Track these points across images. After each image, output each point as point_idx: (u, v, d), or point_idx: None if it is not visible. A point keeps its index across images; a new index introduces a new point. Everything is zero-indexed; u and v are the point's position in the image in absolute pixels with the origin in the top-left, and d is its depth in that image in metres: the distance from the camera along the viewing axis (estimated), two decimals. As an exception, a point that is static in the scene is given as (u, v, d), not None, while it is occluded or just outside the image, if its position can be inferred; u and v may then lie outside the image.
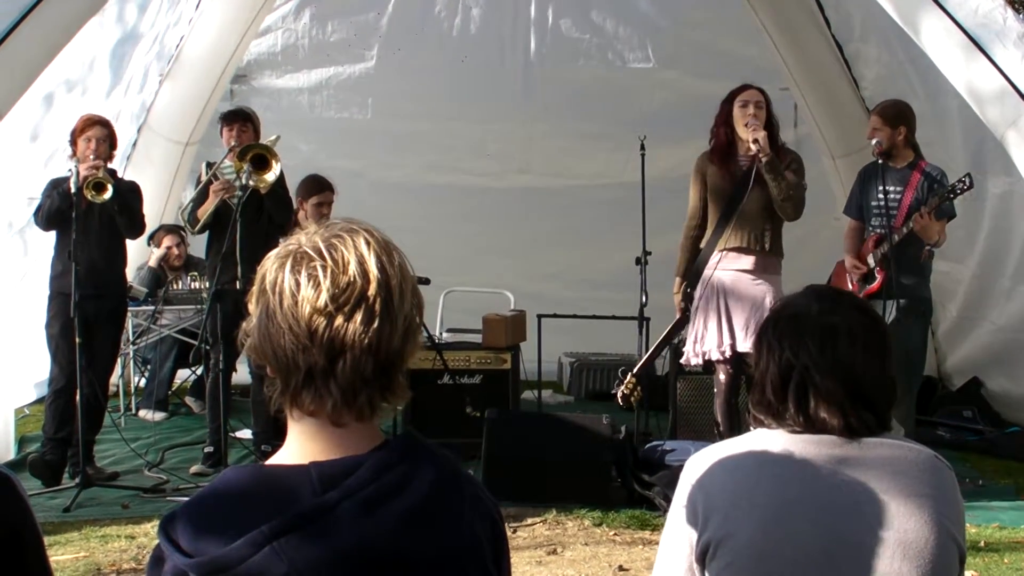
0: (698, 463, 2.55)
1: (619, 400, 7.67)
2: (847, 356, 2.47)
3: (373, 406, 1.92)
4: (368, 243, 1.91)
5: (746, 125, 7.05)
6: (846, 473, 2.41)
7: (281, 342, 1.87)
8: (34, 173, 8.81)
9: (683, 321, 7.49)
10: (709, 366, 7.36)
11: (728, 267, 7.16)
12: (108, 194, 7.32)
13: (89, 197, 7.28)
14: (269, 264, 1.92)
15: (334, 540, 1.79)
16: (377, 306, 1.88)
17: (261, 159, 7.59)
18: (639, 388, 7.57)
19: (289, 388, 1.90)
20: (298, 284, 1.87)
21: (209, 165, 8.23)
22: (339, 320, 1.86)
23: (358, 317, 1.86)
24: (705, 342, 7.15)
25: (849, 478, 2.41)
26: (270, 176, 7.60)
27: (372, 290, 1.87)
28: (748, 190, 7.10)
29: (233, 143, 7.88)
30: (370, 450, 1.91)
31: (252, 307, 1.94)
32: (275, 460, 1.93)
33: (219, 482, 1.90)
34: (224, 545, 1.77)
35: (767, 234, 7.15)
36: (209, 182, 7.97)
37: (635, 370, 7.63)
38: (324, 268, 1.87)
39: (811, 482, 2.41)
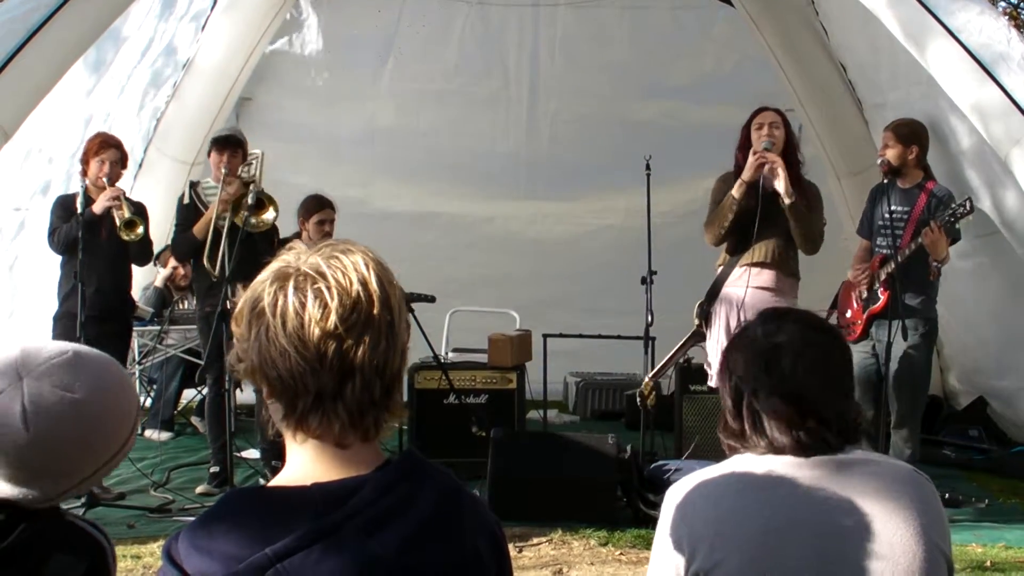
0: (678, 493, 2.55)
1: (636, 398, 7.76)
2: (791, 374, 2.48)
3: (378, 426, 1.92)
4: (367, 263, 1.90)
5: (754, 153, 7.11)
6: (829, 492, 2.42)
7: (287, 365, 1.84)
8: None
9: (700, 334, 7.53)
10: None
11: (748, 284, 7.19)
12: (141, 229, 7.43)
13: (124, 237, 7.40)
14: (265, 286, 1.89)
15: (338, 561, 1.79)
16: (383, 327, 1.87)
17: (258, 202, 7.66)
18: (654, 393, 7.66)
19: (296, 412, 1.88)
20: (303, 305, 1.84)
21: (193, 185, 8.21)
22: (348, 342, 1.84)
23: (367, 339, 1.85)
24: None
25: (832, 497, 2.41)
26: (267, 216, 7.68)
27: (377, 310, 1.87)
28: (768, 208, 7.15)
29: (224, 169, 7.85)
30: (372, 470, 1.91)
31: (241, 330, 1.91)
32: (277, 481, 1.93)
33: (222, 504, 1.89)
34: (228, 568, 1.76)
35: (788, 251, 7.24)
36: (196, 207, 7.96)
37: (651, 374, 7.70)
38: (329, 289, 1.85)
39: (795, 504, 2.42)
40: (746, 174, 7.09)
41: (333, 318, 1.84)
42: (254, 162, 7.92)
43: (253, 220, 7.58)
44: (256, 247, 7.58)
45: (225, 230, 7.72)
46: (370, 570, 1.81)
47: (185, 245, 8.08)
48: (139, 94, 10.01)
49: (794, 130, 7.43)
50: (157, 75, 10.08)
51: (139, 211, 7.77)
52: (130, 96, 9.98)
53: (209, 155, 8.17)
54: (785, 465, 2.46)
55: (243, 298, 1.92)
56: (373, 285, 1.88)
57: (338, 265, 1.88)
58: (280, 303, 1.86)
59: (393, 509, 1.86)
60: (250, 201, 7.56)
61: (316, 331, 1.83)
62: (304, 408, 1.87)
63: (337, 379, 1.85)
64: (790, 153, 7.22)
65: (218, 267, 7.65)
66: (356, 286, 1.86)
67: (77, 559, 2.11)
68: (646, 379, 7.71)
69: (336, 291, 1.85)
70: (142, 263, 8.03)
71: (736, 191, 7.13)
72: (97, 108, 9.38)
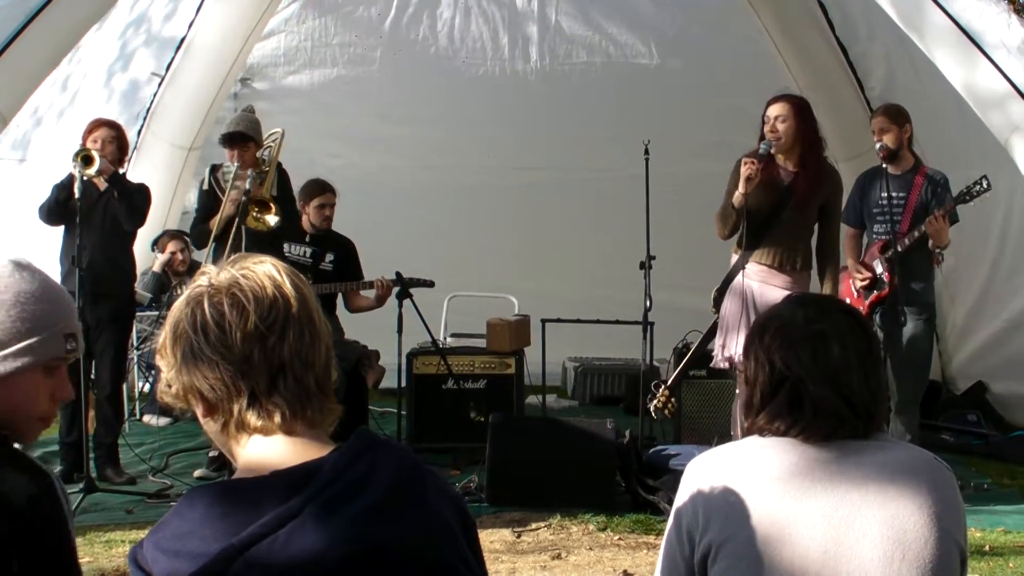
0: (699, 467, 2.57)
1: (652, 413, 7.66)
2: (839, 361, 2.48)
3: (323, 413, 1.97)
4: (278, 269, 1.97)
5: (745, 162, 6.91)
6: (844, 475, 2.42)
7: (217, 374, 1.90)
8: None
9: (714, 331, 7.45)
10: (721, 371, 7.37)
11: (758, 279, 7.08)
12: (95, 167, 7.27)
13: (81, 171, 7.23)
14: (181, 309, 1.96)
15: (305, 543, 1.81)
16: (304, 322, 1.94)
17: (263, 204, 7.66)
18: (672, 400, 7.55)
19: (234, 416, 1.92)
20: (223, 315, 1.91)
21: (213, 169, 8.19)
22: (272, 339, 1.90)
23: (290, 334, 1.92)
24: (729, 347, 7.12)
25: (848, 481, 2.42)
26: (270, 219, 7.63)
27: (296, 308, 1.93)
28: (786, 210, 7.03)
29: (236, 162, 7.85)
30: (327, 453, 1.93)
31: (167, 357, 1.96)
32: (235, 477, 1.95)
33: (183, 504, 1.91)
34: (196, 566, 1.78)
35: (799, 254, 7.03)
36: (215, 194, 7.93)
37: (669, 382, 7.62)
38: (244, 294, 1.92)
39: (810, 485, 2.42)
40: (741, 186, 6.91)
41: (253, 319, 1.90)
42: (272, 144, 7.90)
43: (253, 224, 7.58)
44: (272, 241, 7.61)
45: (242, 221, 7.69)
46: (337, 546, 1.83)
47: (202, 238, 8.07)
48: (105, 70, 9.93)
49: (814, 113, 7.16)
50: (126, 49, 9.99)
51: (140, 189, 7.80)
52: (98, 72, 9.91)
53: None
54: (805, 447, 2.47)
55: (163, 328, 1.99)
56: (288, 287, 1.95)
57: (250, 274, 1.95)
58: (199, 319, 1.93)
59: (353, 485, 1.88)
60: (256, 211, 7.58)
61: (239, 335, 1.90)
62: (241, 409, 1.91)
63: (268, 377, 1.90)
64: (804, 144, 6.98)
65: (229, 256, 7.58)
66: (271, 288, 1.94)
67: (28, 479, 2.15)
68: (663, 388, 7.60)
69: (252, 295, 1.92)
70: (129, 224, 7.81)
71: (736, 201, 6.96)
72: (64, 77, 9.35)
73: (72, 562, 2.22)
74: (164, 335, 1.97)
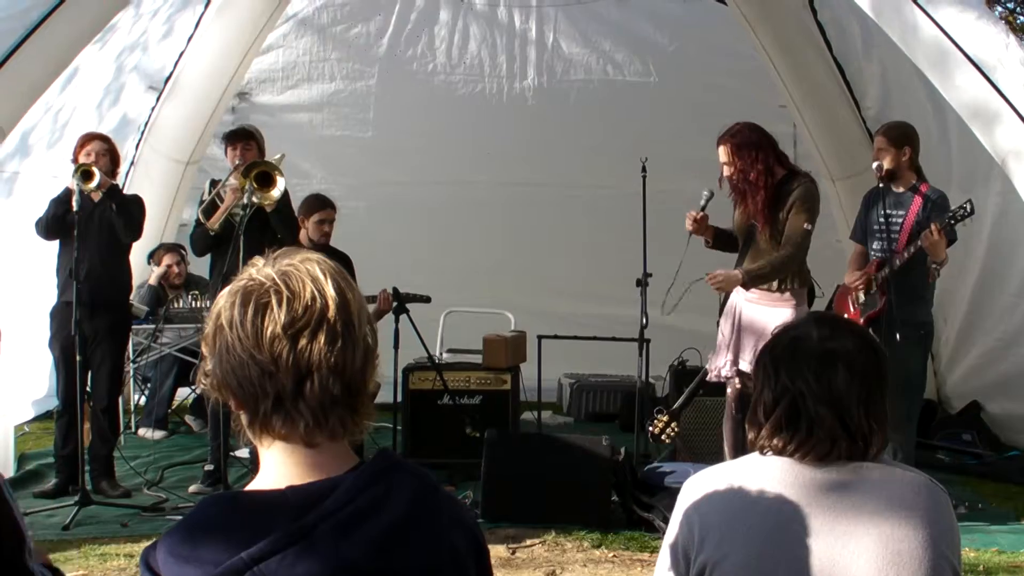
0: (695, 485, 2.58)
1: (651, 439, 7.67)
2: (843, 385, 2.48)
3: (345, 425, 1.94)
4: (324, 270, 1.94)
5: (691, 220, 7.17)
6: (840, 497, 2.43)
7: (246, 372, 1.88)
8: None
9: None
10: (716, 389, 7.39)
11: (744, 300, 7.12)
12: (95, 181, 7.32)
13: (76, 186, 7.28)
14: (222, 302, 1.94)
15: (314, 563, 1.80)
16: (339, 327, 1.90)
17: (265, 176, 7.61)
18: (673, 425, 7.54)
19: (259, 416, 1.91)
20: (256, 313, 1.89)
21: (213, 184, 8.24)
22: (302, 342, 1.88)
23: (321, 338, 1.89)
24: (718, 365, 7.16)
25: (843, 502, 2.43)
26: (275, 192, 7.62)
27: (332, 312, 1.90)
28: (755, 237, 7.09)
29: (237, 162, 7.90)
30: (347, 471, 1.92)
31: (208, 347, 1.95)
32: (253, 486, 1.95)
33: (197, 511, 1.91)
34: (206, 574, 1.78)
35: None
36: (214, 203, 7.97)
37: (672, 408, 7.62)
38: (279, 294, 1.89)
39: (805, 506, 2.43)
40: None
41: (284, 320, 1.88)
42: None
43: (257, 198, 7.54)
44: (269, 237, 7.59)
45: (242, 226, 7.69)
46: (345, 571, 1.83)
47: (201, 240, 8.08)
48: (101, 88, 9.96)
49: (783, 128, 7.21)
50: (121, 70, 10.01)
51: (135, 201, 7.82)
52: (93, 90, 9.92)
53: (226, 153, 8.21)
54: (801, 467, 2.49)
55: (209, 317, 1.97)
56: (328, 289, 1.91)
57: (293, 273, 1.93)
58: (236, 315, 1.90)
59: (367, 510, 1.87)
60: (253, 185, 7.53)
61: (268, 335, 1.88)
62: (266, 411, 1.90)
63: (294, 380, 1.88)
64: (745, 182, 6.98)
65: (227, 267, 7.58)
66: (310, 289, 1.90)
67: None
68: (662, 414, 7.58)
69: (287, 296, 1.89)
70: (127, 237, 7.81)
71: (707, 246, 7.36)
72: (60, 102, 9.37)
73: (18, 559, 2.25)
74: (208, 324, 1.96)
